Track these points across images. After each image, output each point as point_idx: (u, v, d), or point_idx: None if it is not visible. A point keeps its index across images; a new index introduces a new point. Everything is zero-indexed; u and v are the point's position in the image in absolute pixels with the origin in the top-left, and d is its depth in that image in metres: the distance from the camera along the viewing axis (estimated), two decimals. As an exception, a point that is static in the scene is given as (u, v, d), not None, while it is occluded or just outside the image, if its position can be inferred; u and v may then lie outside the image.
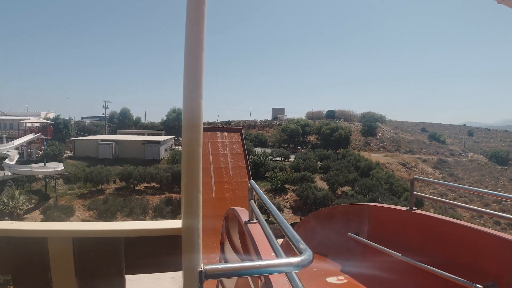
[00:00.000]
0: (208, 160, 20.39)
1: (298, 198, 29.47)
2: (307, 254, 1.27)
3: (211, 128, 29.79)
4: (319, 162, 38.01)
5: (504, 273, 2.64)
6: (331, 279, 3.42)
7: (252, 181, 3.10)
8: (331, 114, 66.87)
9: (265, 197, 2.45)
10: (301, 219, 18.72)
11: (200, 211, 1.38)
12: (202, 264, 1.31)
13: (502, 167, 45.10)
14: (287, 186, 31.90)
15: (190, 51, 1.32)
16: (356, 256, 3.80)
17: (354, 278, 3.46)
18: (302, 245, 1.35)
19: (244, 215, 3.14)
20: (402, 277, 3.27)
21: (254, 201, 2.83)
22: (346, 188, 32.16)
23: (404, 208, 3.69)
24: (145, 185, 30.33)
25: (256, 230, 2.63)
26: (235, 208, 3.68)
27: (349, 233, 3.94)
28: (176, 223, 2.40)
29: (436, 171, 42.49)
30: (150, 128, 54.75)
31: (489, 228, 23.77)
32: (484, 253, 2.86)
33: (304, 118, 60.56)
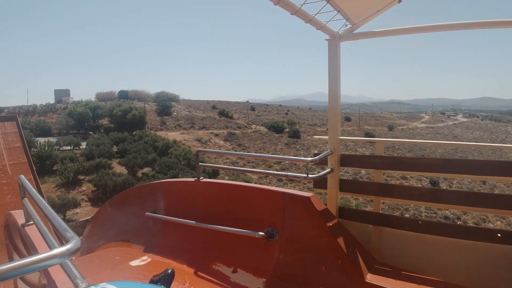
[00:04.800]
0: (-24, 159, 16.04)
1: (96, 189, 27.20)
2: (74, 241, 1.26)
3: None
4: (114, 147, 36.01)
5: (278, 218, 3.10)
6: (134, 262, 3.37)
7: (22, 176, 2.79)
8: (123, 95, 63.95)
9: (33, 190, 2.26)
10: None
11: None
12: None
13: (279, 134, 54.42)
14: (82, 177, 28.98)
15: None
16: (156, 234, 3.84)
17: (157, 255, 3.52)
18: (69, 233, 1.33)
19: (21, 217, 2.89)
20: (199, 241, 3.50)
21: (32, 198, 2.52)
22: (146, 170, 31.77)
23: (193, 179, 3.90)
24: None
25: (34, 231, 2.46)
26: (11, 212, 3.35)
27: (147, 213, 3.92)
28: None
29: (227, 143, 47.20)
30: None
31: (273, 184, 28.42)
32: (260, 205, 3.29)
33: (94, 99, 55.70)
